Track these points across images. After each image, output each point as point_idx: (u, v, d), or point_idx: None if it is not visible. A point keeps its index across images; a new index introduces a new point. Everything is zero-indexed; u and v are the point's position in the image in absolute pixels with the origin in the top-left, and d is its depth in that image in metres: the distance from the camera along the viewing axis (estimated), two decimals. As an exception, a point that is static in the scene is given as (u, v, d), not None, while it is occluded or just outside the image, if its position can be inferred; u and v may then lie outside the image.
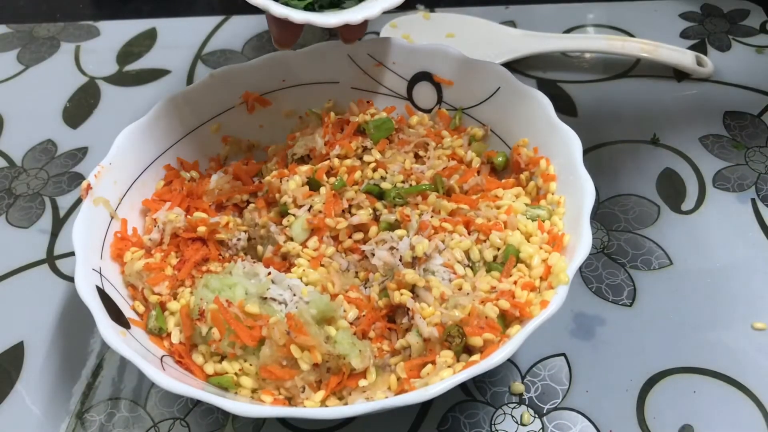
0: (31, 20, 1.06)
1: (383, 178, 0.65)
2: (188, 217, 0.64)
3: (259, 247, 0.63)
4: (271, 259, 0.62)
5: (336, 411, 0.48)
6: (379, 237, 0.61)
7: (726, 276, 0.67)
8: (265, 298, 0.56)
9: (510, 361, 0.61)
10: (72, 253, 0.58)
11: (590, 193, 0.57)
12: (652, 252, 0.69)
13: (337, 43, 0.74)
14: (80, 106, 0.91)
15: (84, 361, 0.64)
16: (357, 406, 0.49)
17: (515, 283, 0.56)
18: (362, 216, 0.62)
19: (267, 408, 0.51)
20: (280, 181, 0.64)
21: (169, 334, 0.58)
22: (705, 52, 0.90)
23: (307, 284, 0.58)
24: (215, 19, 1.03)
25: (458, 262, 0.59)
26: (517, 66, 0.89)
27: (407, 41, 0.73)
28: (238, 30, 1.01)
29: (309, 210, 0.62)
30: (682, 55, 0.88)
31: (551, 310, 0.51)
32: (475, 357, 0.53)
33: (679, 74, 0.88)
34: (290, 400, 0.55)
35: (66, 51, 1.00)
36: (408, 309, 0.56)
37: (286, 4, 0.58)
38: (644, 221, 0.72)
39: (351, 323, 0.57)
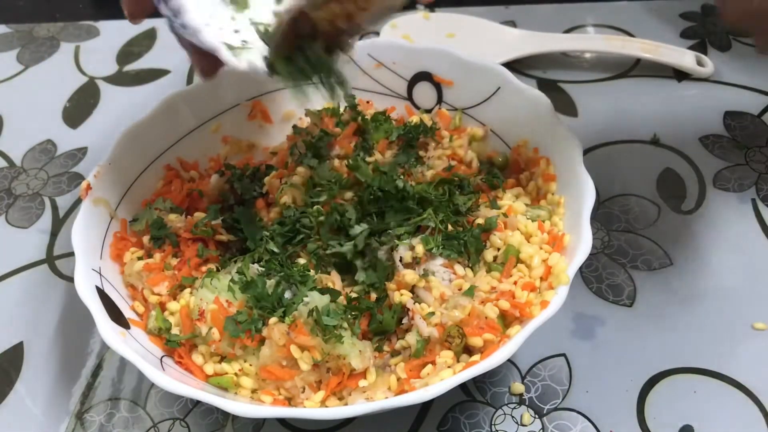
0: (31, 20, 1.06)
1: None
2: (188, 217, 0.64)
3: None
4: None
5: (336, 411, 0.48)
6: (379, 237, 0.61)
7: (726, 276, 0.67)
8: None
9: (510, 362, 0.61)
10: (72, 253, 0.58)
11: (590, 193, 0.57)
12: (652, 252, 0.69)
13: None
14: (80, 106, 0.91)
15: (84, 361, 0.64)
16: (357, 407, 0.49)
17: (515, 283, 0.56)
18: (362, 216, 0.62)
19: (267, 408, 0.51)
20: (281, 181, 0.64)
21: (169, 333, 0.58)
22: (705, 52, 0.90)
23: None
24: (215, 19, 1.03)
25: (458, 262, 0.59)
26: (517, 66, 0.89)
27: (407, 41, 0.74)
28: (238, 30, 1.01)
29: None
30: (682, 55, 0.88)
31: (551, 310, 0.51)
32: (475, 357, 0.53)
33: (679, 74, 0.88)
34: (290, 401, 0.54)
35: (66, 51, 1.00)
36: (408, 309, 0.56)
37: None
38: (644, 221, 0.72)
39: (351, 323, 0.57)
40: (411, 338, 0.55)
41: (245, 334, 0.54)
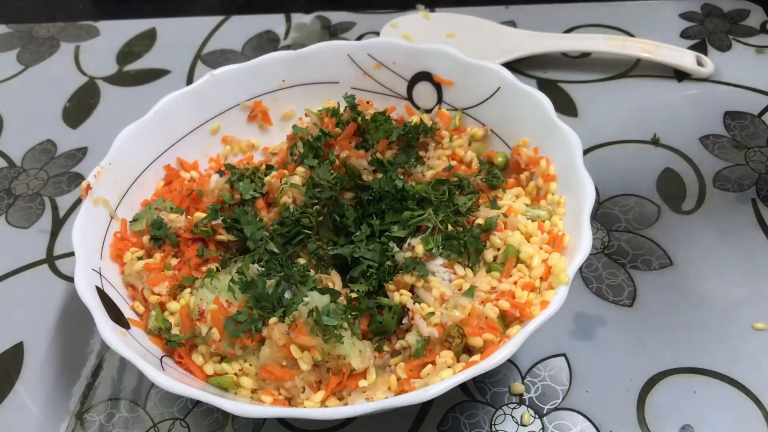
0: (31, 20, 1.06)
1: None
2: (188, 217, 0.64)
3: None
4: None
5: (336, 411, 0.48)
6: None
7: (726, 276, 0.67)
8: None
9: (510, 362, 0.61)
10: (72, 253, 0.58)
11: (590, 193, 0.57)
12: (652, 252, 0.69)
13: (337, 43, 0.74)
14: (80, 106, 0.91)
15: (84, 361, 0.64)
16: (357, 407, 0.49)
17: (515, 283, 0.56)
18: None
19: (267, 408, 0.51)
20: (281, 181, 0.64)
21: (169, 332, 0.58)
22: (705, 52, 0.90)
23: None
24: (215, 19, 1.03)
25: (458, 262, 0.59)
26: (517, 66, 0.89)
27: (407, 41, 0.73)
28: (238, 30, 1.01)
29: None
30: (682, 55, 0.88)
31: (551, 310, 0.51)
32: (476, 357, 0.53)
33: (679, 74, 0.88)
34: (290, 401, 0.54)
35: (66, 51, 1.00)
36: (408, 309, 0.56)
37: None
38: (644, 221, 0.72)
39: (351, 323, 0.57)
40: (411, 338, 0.55)
41: (245, 334, 0.54)
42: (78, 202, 0.78)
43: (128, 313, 0.58)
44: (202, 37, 1.00)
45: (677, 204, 0.74)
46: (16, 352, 0.66)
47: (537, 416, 0.59)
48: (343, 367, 0.54)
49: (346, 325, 0.54)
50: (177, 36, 1.01)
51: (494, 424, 0.58)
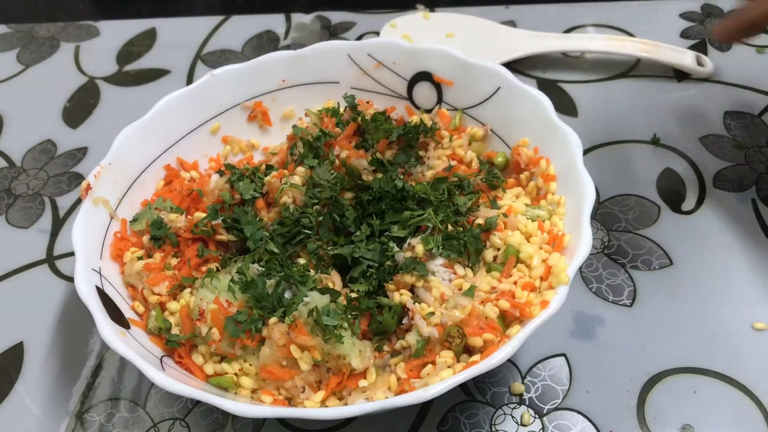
0: (31, 20, 1.06)
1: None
2: (188, 217, 0.64)
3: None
4: (271, 260, 0.62)
5: (336, 411, 0.48)
6: (379, 237, 0.61)
7: (726, 276, 0.67)
8: None
9: (510, 362, 0.61)
10: (72, 253, 0.58)
11: (590, 193, 0.57)
12: (652, 252, 0.69)
13: (337, 43, 0.74)
14: (80, 106, 0.91)
15: (84, 361, 0.64)
16: (357, 407, 0.49)
17: (515, 283, 0.56)
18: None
19: (267, 408, 0.51)
20: (281, 181, 0.64)
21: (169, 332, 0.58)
22: (705, 52, 0.90)
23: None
24: (215, 19, 1.03)
25: (458, 262, 0.59)
26: (517, 66, 0.89)
27: (407, 41, 0.73)
28: (238, 30, 1.01)
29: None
30: (682, 55, 0.88)
31: (551, 310, 0.51)
32: (475, 357, 0.53)
33: (679, 74, 0.88)
34: (290, 401, 0.55)
35: (66, 51, 1.00)
36: (408, 309, 0.56)
37: None
38: (644, 221, 0.72)
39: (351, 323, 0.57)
40: (411, 338, 0.55)
41: (245, 334, 0.54)
42: (78, 202, 0.78)
43: (128, 313, 0.58)
44: (202, 37, 1.00)
45: (677, 204, 0.74)
46: (16, 352, 0.66)
47: (537, 416, 0.59)
48: (343, 367, 0.54)
49: (346, 325, 0.54)
50: (177, 36, 1.01)
51: (494, 424, 0.58)
